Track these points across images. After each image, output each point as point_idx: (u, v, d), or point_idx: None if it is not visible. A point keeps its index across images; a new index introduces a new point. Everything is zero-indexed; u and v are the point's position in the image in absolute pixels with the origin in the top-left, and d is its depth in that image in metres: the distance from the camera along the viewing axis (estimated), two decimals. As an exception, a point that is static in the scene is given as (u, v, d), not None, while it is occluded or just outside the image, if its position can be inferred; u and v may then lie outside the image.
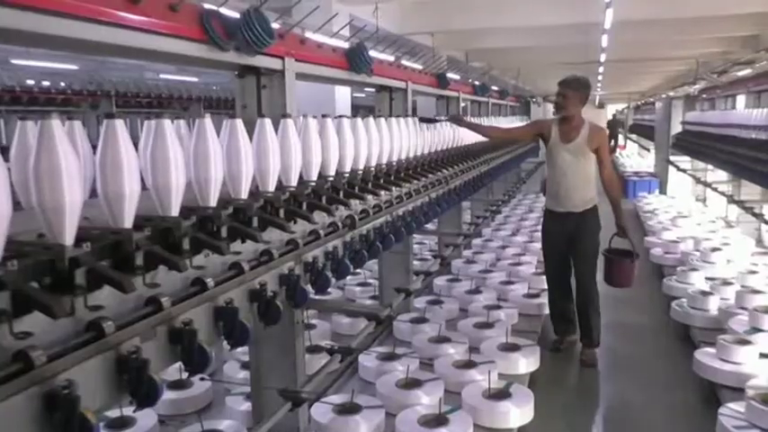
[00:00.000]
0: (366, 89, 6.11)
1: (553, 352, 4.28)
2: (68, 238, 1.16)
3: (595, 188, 4.15)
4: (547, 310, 4.49)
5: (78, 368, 1.13)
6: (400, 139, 2.99)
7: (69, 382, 1.09)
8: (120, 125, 1.30)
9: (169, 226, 1.41)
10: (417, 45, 6.96)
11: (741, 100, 8.47)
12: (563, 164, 4.10)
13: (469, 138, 4.43)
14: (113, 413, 2.68)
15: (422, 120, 3.34)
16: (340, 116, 2.39)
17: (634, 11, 8.25)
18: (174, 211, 1.45)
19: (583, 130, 4.05)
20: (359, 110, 11.33)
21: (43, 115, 1.17)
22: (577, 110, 4.07)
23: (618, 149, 20.15)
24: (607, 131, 4.54)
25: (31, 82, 6.92)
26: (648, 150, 17.49)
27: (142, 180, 1.37)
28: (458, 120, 4.08)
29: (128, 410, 2.67)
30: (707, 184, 8.56)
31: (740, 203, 6.56)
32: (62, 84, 7.12)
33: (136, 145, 1.44)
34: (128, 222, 1.31)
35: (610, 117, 27.13)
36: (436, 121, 3.49)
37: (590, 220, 4.14)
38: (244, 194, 1.72)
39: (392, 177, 2.82)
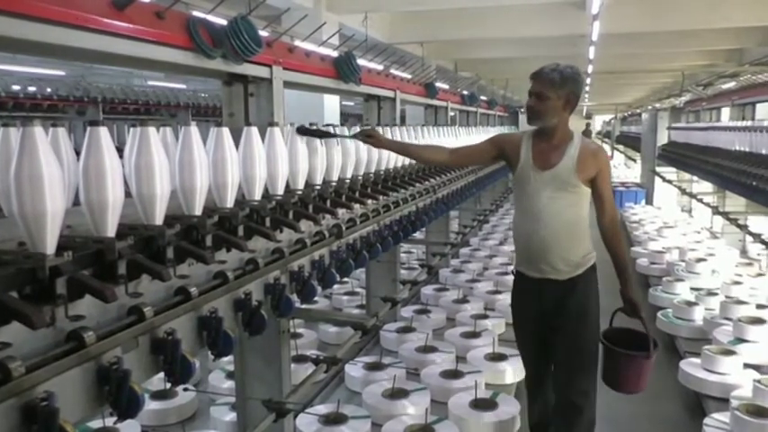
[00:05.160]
0: (355, 97, 6.13)
1: None
2: (49, 246, 1.14)
3: (590, 239, 2.63)
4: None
5: (58, 379, 1.11)
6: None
7: (48, 393, 1.07)
8: (103, 132, 1.28)
9: (153, 235, 1.40)
10: (406, 54, 7.00)
11: (726, 112, 8.60)
12: (538, 202, 2.52)
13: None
14: (95, 424, 2.65)
15: (301, 131, 2.15)
16: (327, 125, 2.38)
17: (621, 24, 8.38)
18: (159, 219, 1.43)
19: (570, 150, 2.51)
20: (348, 118, 11.37)
21: (26, 121, 1.16)
22: (562, 118, 2.52)
23: None
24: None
25: (16, 87, 6.85)
26: (635, 161, 17.66)
27: (126, 188, 1.35)
28: (369, 136, 2.55)
29: (110, 421, 2.64)
30: (692, 195, 8.67)
31: (725, 214, 6.64)
32: (48, 90, 7.05)
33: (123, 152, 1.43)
34: (111, 231, 1.29)
35: (589, 128, 26.66)
36: (328, 135, 2.26)
37: (582, 291, 2.57)
38: (229, 203, 1.71)
39: (379, 186, 2.82)
